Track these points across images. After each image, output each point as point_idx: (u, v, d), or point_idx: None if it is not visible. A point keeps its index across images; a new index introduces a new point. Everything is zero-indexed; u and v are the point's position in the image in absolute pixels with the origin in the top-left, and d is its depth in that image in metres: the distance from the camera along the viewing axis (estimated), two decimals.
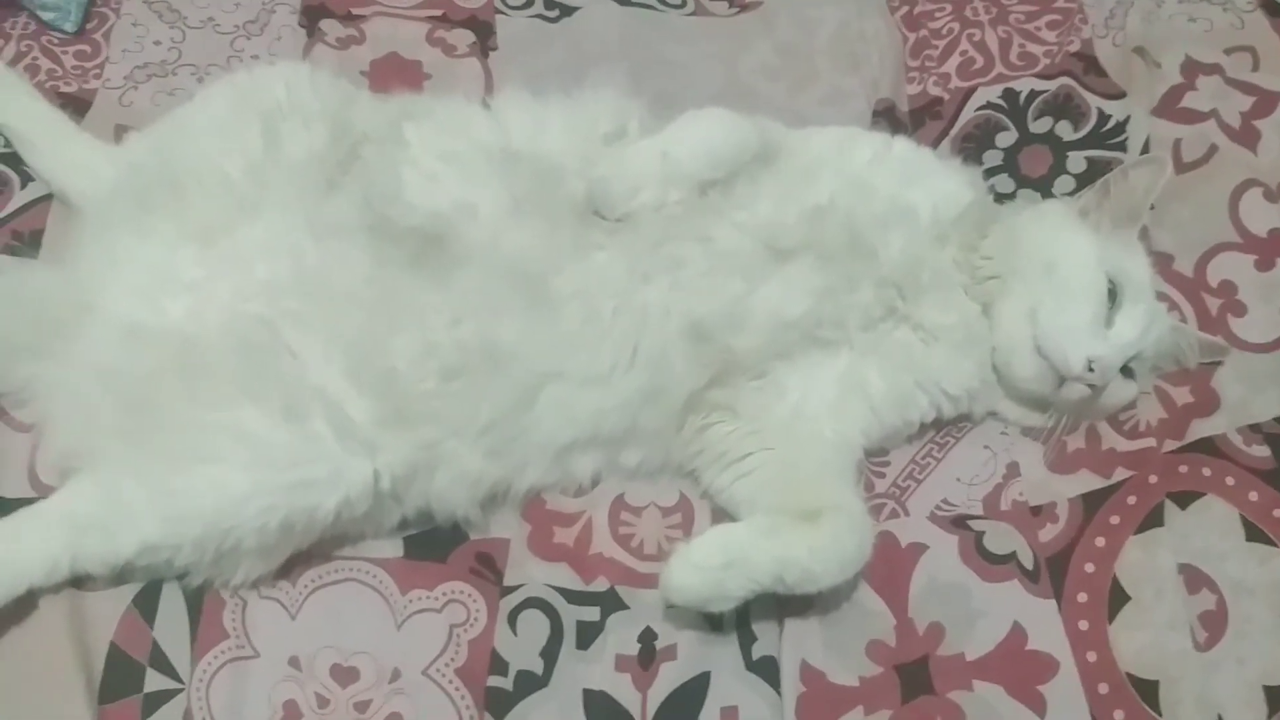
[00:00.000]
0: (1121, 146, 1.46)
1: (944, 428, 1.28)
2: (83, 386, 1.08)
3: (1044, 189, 1.45)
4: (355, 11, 1.56)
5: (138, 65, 1.46)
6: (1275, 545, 1.18)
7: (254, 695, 1.08)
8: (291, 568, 1.13)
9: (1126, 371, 1.22)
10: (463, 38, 1.56)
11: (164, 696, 1.06)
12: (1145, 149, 1.43)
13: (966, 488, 1.25)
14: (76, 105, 1.40)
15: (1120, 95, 1.50)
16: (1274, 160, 1.40)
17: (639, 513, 1.22)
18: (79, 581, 1.07)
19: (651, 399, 1.16)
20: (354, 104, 1.25)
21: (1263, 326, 1.31)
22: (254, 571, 1.10)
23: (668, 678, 1.12)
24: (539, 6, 1.61)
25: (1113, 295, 1.19)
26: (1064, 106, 1.51)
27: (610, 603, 1.16)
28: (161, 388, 1.06)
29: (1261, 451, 1.23)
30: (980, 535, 1.20)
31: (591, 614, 1.15)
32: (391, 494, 1.11)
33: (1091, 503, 1.22)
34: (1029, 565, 1.19)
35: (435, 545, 1.17)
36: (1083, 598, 1.17)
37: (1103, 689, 1.12)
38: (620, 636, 1.14)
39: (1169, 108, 1.45)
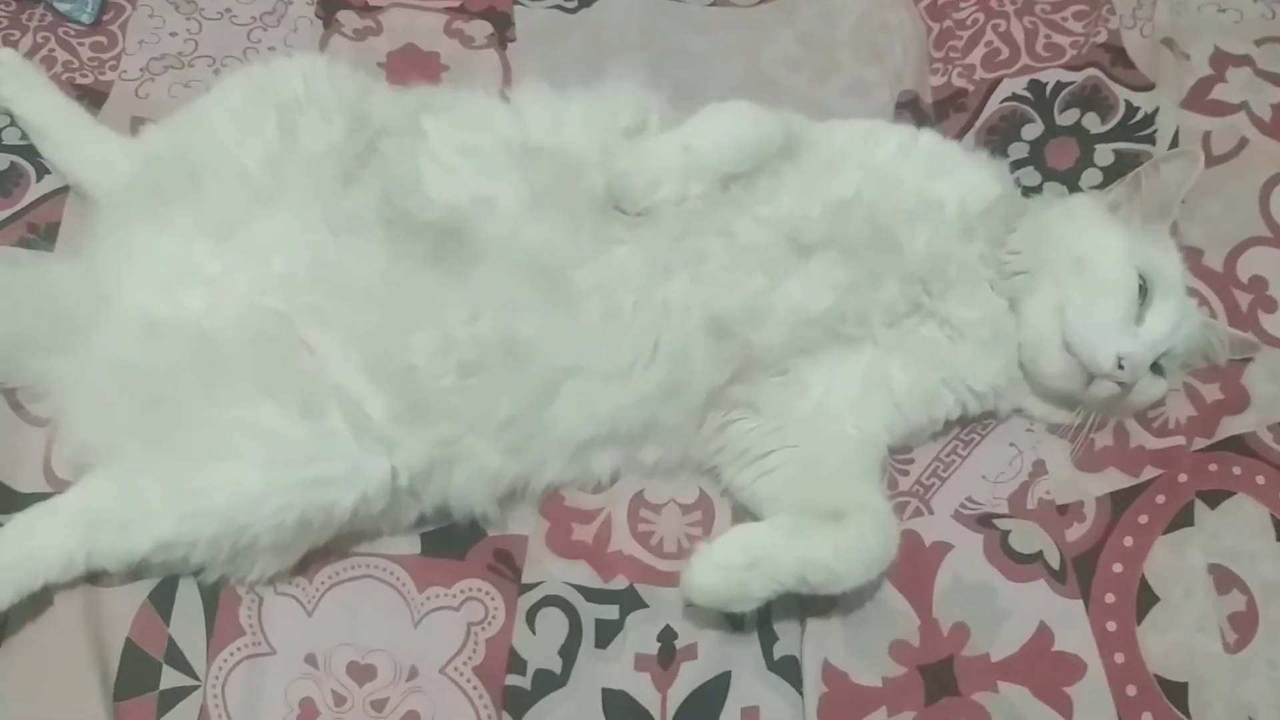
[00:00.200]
0: (1150, 139, 1.44)
1: (969, 425, 1.26)
2: (99, 382, 1.07)
3: (1071, 182, 1.43)
4: (372, 3, 1.56)
5: (154, 57, 1.46)
6: None
7: (270, 692, 1.07)
8: (308, 564, 1.12)
9: (1156, 368, 1.20)
10: (481, 29, 1.56)
11: (180, 693, 1.06)
12: (1174, 142, 1.41)
13: (992, 486, 1.23)
14: (93, 97, 1.40)
15: (1148, 87, 1.48)
16: None
17: (658, 510, 1.21)
18: (94, 577, 1.07)
19: (672, 395, 1.15)
20: (371, 96, 1.24)
21: None
22: (270, 568, 1.09)
23: (688, 677, 1.11)
24: None
25: (1143, 291, 1.18)
26: (1091, 98, 1.49)
27: (629, 601, 1.15)
28: (178, 383, 1.06)
29: None
30: (1006, 534, 1.19)
31: (611, 612, 1.14)
32: (409, 491, 1.10)
33: (1120, 501, 1.20)
34: (1055, 565, 1.17)
35: (453, 542, 1.17)
36: (1110, 598, 1.15)
37: (1131, 691, 1.11)
38: (640, 635, 1.13)
39: (1198, 100, 1.43)
